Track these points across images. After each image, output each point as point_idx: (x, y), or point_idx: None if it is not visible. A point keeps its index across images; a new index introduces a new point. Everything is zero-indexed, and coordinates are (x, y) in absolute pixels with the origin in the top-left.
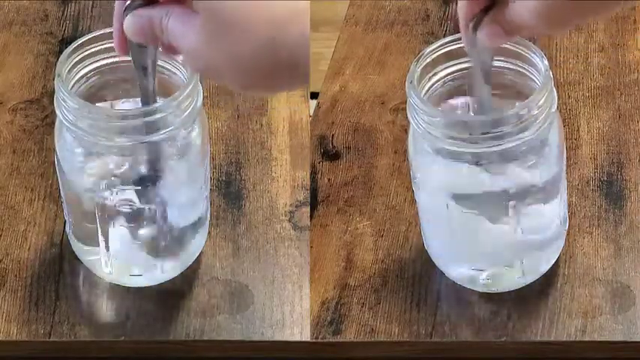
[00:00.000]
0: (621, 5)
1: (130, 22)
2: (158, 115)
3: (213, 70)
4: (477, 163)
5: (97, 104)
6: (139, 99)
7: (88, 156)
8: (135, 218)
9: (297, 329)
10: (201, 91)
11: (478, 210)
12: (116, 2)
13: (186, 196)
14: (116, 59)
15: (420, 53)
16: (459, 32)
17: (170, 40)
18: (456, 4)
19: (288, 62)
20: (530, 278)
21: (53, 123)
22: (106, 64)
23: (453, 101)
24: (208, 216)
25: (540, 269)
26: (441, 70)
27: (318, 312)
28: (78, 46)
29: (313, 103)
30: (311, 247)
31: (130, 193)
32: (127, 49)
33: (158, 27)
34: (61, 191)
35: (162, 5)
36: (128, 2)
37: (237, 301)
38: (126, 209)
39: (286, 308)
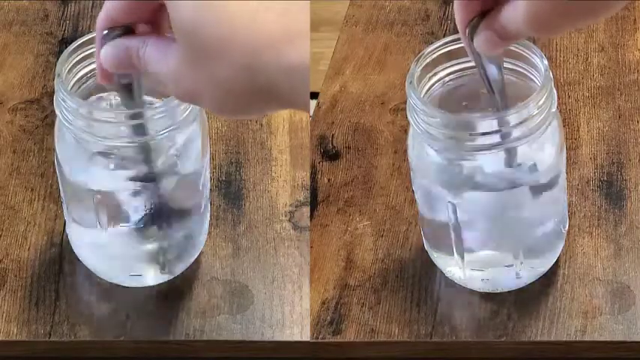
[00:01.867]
0: (611, 12)
1: (107, 53)
2: (158, 115)
3: (191, 95)
4: (476, 163)
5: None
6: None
7: (88, 156)
8: (134, 219)
9: (297, 329)
10: None
11: (478, 210)
12: (96, 37)
13: (186, 196)
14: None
15: (420, 53)
16: (458, 32)
17: (147, 68)
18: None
19: (264, 88)
20: (530, 278)
21: (53, 123)
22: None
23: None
24: (208, 216)
25: (540, 269)
26: (441, 70)
27: (318, 312)
28: (78, 46)
29: (313, 103)
30: (311, 247)
31: (130, 193)
32: (111, 78)
33: (135, 56)
34: (61, 191)
35: (139, 35)
36: (105, 33)
37: (237, 301)
38: (126, 209)
39: (286, 308)
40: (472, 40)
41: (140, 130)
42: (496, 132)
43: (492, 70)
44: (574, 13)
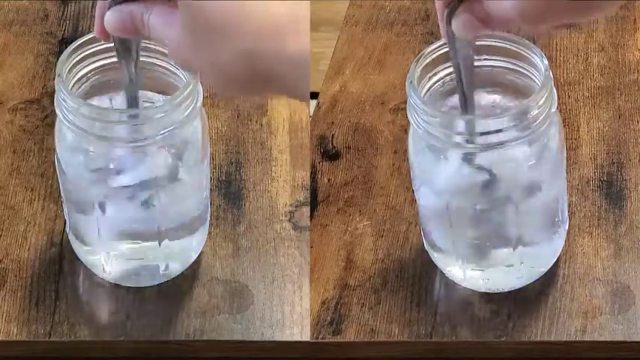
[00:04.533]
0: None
1: (111, 17)
2: (158, 115)
3: (190, 68)
4: (476, 163)
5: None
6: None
7: (87, 156)
8: (135, 218)
9: (297, 329)
10: (201, 91)
11: (478, 210)
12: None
13: (186, 196)
14: (116, 59)
15: (420, 53)
16: None
17: (151, 35)
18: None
19: (264, 75)
20: (530, 278)
21: (53, 123)
22: (107, 64)
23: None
24: (208, 216)
25: (540, 269)
26: (441, 70)
27: (318, 312)
28: (78, 45)
29: (313, 103)
30: (311, 247)
31: (130, 193)
32: (108, 34)
33: (139, 21)
34: (61, 191)
35: (144, 1)
36: None
37: (237, 301)
38: (126, 209)
39: (286, 308)
40: (450, 23)
41: (140, 130)
42: (496, 132)
43: (465, 56)
44: (560, 10)
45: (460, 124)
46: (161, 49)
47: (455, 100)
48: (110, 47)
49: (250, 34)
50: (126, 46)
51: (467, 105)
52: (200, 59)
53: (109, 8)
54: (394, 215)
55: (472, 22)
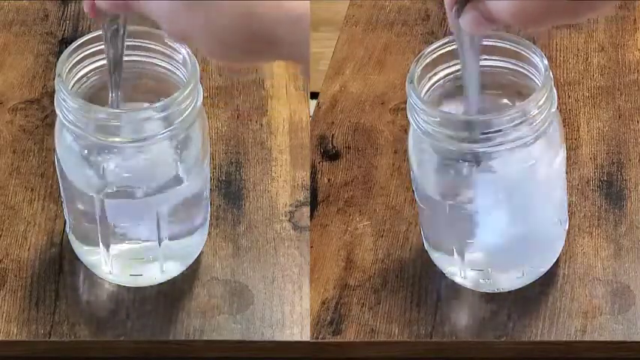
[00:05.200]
0: (597, 13)
1: None
2: (159, 115)
3: (184, 37)
4: (476, 163)
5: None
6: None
7: (88, 156)
8: (135, 218)
9: (297, 329)
10: (202, 91)
11: (478, 210)
12: None
13: (186, 195)
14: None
15: (420, 53)
16: None
17: (141, 8)
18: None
19: (262, 37)
20: (530, 278)
21: (53, 123)
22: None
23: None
24: (208, 216)
25: (540, 269)
26: (441, 70)
27: (318, 312)
28: (78, 45)
29: (313, 103)
30: (311, 247)
31: (130, 193)
32: (100, 15)
33: None
34: (61, 191)
35: None
36: None
37: (237, 301)
38: (126, 209)
39: (286, 308)
40: (457, 19)
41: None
42: (496, 132)
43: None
44: (558, 11)
45: (460, 124)
46: (161, 49)
47: (455, 100)
48: None
49: None
50: (114, 26)
51: (470, 102)
52: (196, 25)
53: None
54: (394, 215)
55: (479, 19)
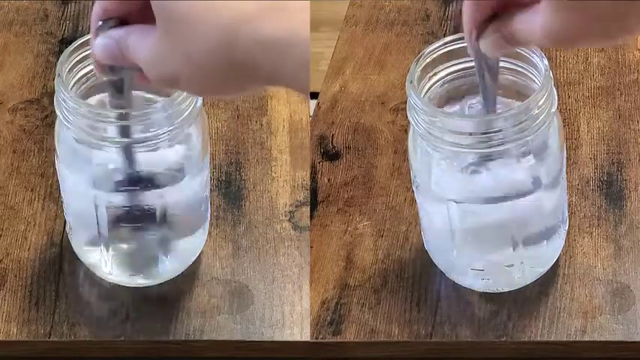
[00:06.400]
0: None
1: (98, 45)
2: (159, 116)
3: (169, 78)
4: (477, 163)
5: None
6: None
7: (87, 156)
8: (134, 218)
9: (297, 329)
10: None
11: (478, 210)
12: (91, 29)
13: (186, 196)
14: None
15: (420, 53)
16: (458, 32)
17: (130, 56)
18: (456, 3)
19: (242, 64)
20: (530, 278)
21: (53, 123)
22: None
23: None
24: (208, 216)
25: (540, 269)
26: (441, 70)
27: (318, 312)
28: (78, 45)
29: (313, 103)
30: (311, 247)
31: (130, 193)
32: (106, 69)
33: (123, 46)
34: (61, 191)
35: (130, 25)
36: (100, 23)
37: (237, 301)
38: (126, 209)
39: (286, 308)
40: (477, 41)
41: (140, 130)
42: (496, 132)
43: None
44: (592, 35)
45: (460, 125)
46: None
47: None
48: None
49: (221, 21)
50: (117, 81)
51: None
52: (175, 63)
53: (97, 35)
54: (394, 215)
55: (500, 42)
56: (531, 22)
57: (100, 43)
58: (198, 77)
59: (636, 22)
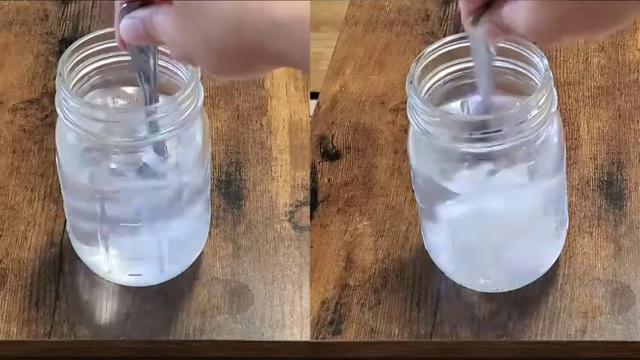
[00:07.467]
0: (611, 29)
1: (124, 26)
2: (159, 115)
3: (186, 55)
4: (477, 163)
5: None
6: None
7: (88, 156)
8: (135, 218)
9: (297, 329)
10: (202, 90)
11: (478, 210)
12: (115, 2)
13: (186, 195)
14: (117, 59)
15: (420, 53)
16: (458, 32)
17: (154, 36)
18: (457, 4)
19: (253, 44)
20: (529, 278)
21: (53, 123)
22: (107, 64)
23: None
24: (208, 216)
25: (540, 269)
26: (441, 70)
27: (318, 312)
28: (79, 45)
29: (313, 103)
30: (311, 247)
31: (131, 193)
32: (134, 51)
33: (150, 25)
34: (62, 191)
35: (155, 5)
36: (124, 5)
37: (237, 301)
38: (126, 209)
39: (286, 308)
40: (473, 27)
41: (141, 130)
42: (496, 132)
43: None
44: (572, 27)
45: (460, 125)
46: (162, 48)
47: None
48: (111, 47)
49: (235, 1)
50: (144, 59)
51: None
52: (191, 41)
53: (123, 17)
54: (394, 215)
55: (494, 29)
56: (517, 12)
57: (126, 23)
58: (213, 58)
59: (616, 14)
